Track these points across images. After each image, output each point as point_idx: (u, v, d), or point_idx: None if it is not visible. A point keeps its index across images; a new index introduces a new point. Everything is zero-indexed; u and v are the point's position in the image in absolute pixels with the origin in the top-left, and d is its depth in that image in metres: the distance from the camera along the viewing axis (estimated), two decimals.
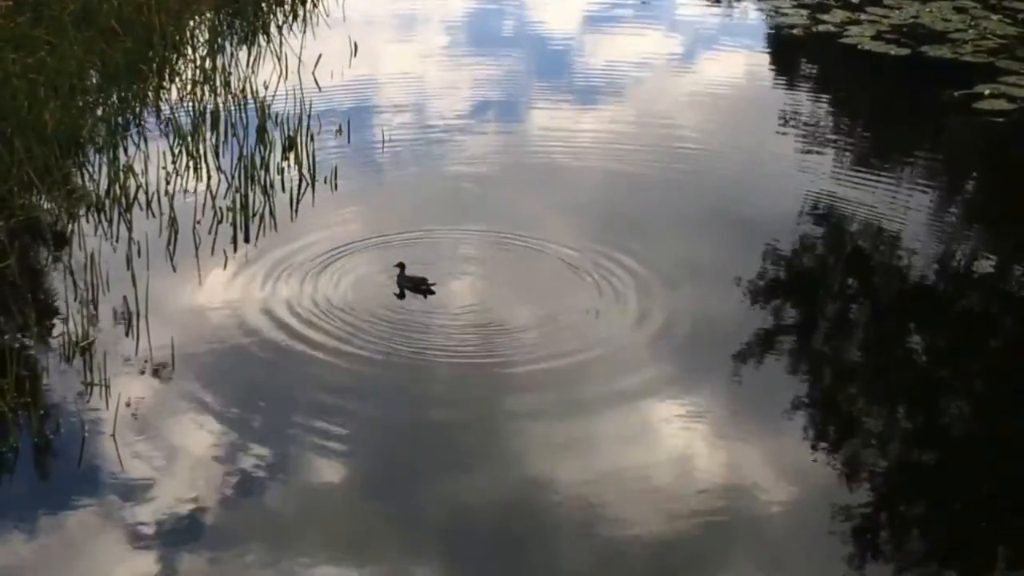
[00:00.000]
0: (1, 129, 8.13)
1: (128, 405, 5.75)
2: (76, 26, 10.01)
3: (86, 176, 8.23)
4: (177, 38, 10.86)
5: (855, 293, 7.40)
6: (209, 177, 8.31)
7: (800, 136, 10.17)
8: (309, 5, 13.23)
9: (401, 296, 6.86)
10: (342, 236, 7.60)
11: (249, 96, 9.59)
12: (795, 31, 13.12)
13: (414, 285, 6.90)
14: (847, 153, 9.85)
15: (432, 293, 6.87)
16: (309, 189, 8.33)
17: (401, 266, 6.93)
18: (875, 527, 5.28)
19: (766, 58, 12.87)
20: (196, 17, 11.69)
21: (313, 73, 10.61)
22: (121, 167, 8.11)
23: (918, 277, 7.56)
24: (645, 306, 6.82)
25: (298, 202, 8.15)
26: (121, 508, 5.10)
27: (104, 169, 8.16)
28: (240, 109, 9.36)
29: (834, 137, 10.35)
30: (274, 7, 12.84)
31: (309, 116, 9.15)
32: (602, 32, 13.48)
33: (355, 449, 5.61)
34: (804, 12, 13.63)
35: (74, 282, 6.79)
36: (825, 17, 13.34)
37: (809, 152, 9.77)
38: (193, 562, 4.85)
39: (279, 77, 10.37)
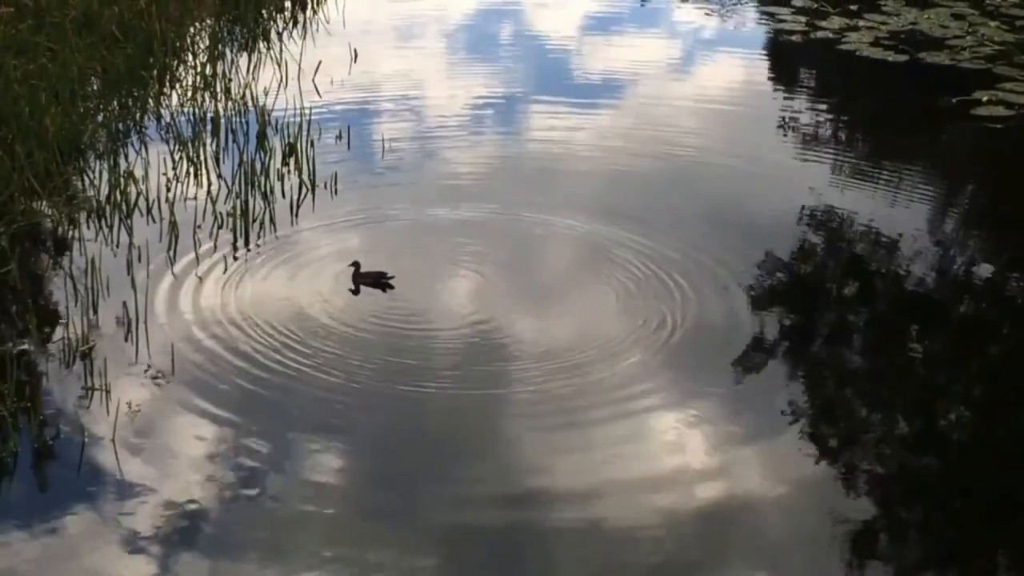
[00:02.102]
0: (2, 135, 8.16)
1: (128, 410, 5.76)
2: (77, 32, 10.06)
3: (87, 182, 8.26)
4: (178, 44, 10.91)
5: (854, 298, 7.42)
6: (209, 183, 8.34)
7: (799, 142, 10.21)
8: (309, 12, 13.30)
9: (356, 292, 6.90)
10: (342, 242, 7.64)
11: (249, 102, 9.62)
12: (794, 37, 13.16)
13: (374, 280, 6.95)
14: (845, 159, 9.89)
15: (391, 287, 6.92)
16: (309, 195, 8.36)
17: (356, 264, 6.96)
18: (874, 531, 5.29)
19: (765, 64, 12.92)
20: (197, 23, 11.74)
21: (313, 79, 10.65)
22: (122, 173, 8.14)
23: (916, 282, 7.58)
24: (642, 308, 6.84)
25: (298, 208, 8.18)
26: (120, 513, 5.11)
27: (105, 175, 8.18)
28: (240, 115, 9.39)
29: (833, 143, 10.39)
30: (274, 14, 12.89)
31: (309, 122, 9.18)
32: (601, 38, 13.52)
33: (355, 455, 5.62)
34: (803, 18, 13.67)
35: (74, 287, 6.81)
36: (823, 23, 13.39)
37: (807, 158, 9.80)
38: (192, 566, 4.86)
39: (279, 83, 10.41)
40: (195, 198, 8.09)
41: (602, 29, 13.92)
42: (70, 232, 7.60)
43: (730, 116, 10.72)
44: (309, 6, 13.47)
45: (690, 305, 6.90)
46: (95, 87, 9.67)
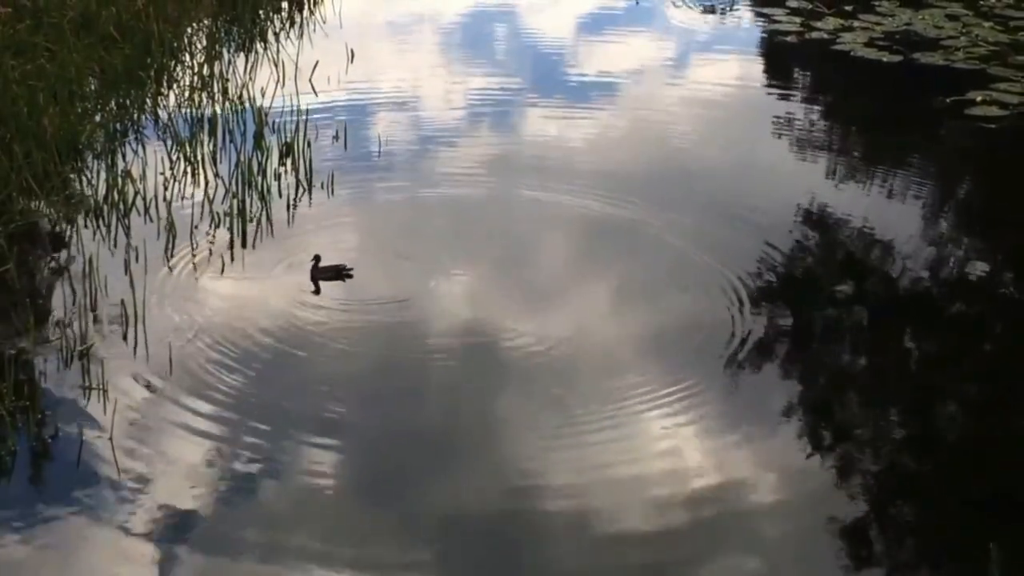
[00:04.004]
0: (0, 135, 8.18)
1: (126, 409, 5.79)
2: (75, 33, 10.07)
3: (85, 182, 8.29)
4: (176, 45, 10.93)
5: (848, 297, 7.43)
6: (207, 183, 8.37)
7: (793, 142, 10.24)
8: (306, 12, 13.32)
9: (317, 292, 6.94)
10: (339, 242, 7.68)
11: (247, 102, 9.66)
12: (788, 38, 13.19)
13: (335, 273, 7.01)
14: (840, 159, 9.92)
15: (350, 277, 7.01)
16: (306, 195, 8.39)
17: (316, 259, 7.03)
18: (871, 531, 5.32)
19: (760, 65, 12.95)
20: (194, 24, 11.76)
21: (310, 79, 10.67)
22: (119, 173, 8.17)
23: (910, 282, 7.61)
24: (639, 310, 6.89)
25: (295, 208, 8.22)
26: (118, 511, 5.14)
27: (102, 175, 8.21)
28: (238, 115, 9.42)
29: (827, 143, 10.42)
30: (271, 14, 12.91)
31: (306, 122, 9.21)
32: (596, 39, 13.55)
33: (353, 453, 5.65)
34: (797, 19, 13.71)
35: (72, 287, 6.84)
36: (818, 24, 13.42)
37: (802, 158, 9.84)
38: (190, 565, 4.89)
39: (276, 84, 10.42)
40: (192, 198, 8.12)
41: (597, 29, 13.94)
42: (68, 232, 7.63)
43: (725, 116, 10.75)
44: (306, 6, 13.48)
45: (684, 306, 6.94)
46: (93, 87, 9.69)
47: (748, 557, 5.09)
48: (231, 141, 9.09)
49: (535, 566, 5.02)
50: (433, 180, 8.95)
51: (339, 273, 7.05)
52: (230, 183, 8.27)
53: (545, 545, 5.10)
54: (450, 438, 5.81)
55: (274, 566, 4.89)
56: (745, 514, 5.32)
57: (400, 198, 8.56)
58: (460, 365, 6.40)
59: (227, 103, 9.66)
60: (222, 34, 11.90)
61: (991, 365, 6.84)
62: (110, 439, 5.55)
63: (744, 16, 14.81)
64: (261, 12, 12.75)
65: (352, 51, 11.76)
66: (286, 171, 8.69)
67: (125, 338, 6.42)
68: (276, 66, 10.88)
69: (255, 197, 8.12)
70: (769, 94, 11.72)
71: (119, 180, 8.03)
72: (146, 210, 7.90)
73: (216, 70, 10.52)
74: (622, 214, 8.21)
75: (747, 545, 5.15)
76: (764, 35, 13.70)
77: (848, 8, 13.89)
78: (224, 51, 11.38)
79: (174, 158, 8.71)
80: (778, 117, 10.74)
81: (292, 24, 12.87)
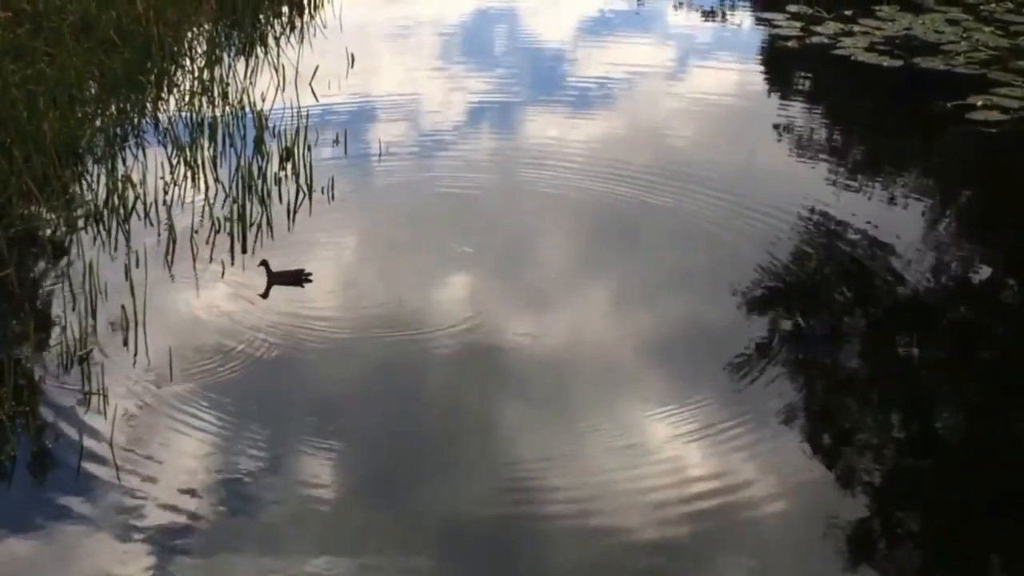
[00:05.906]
0: (0, 139, 8.18)
1: (126, 414, 5.79)
2: (75, 37, 10.08)
3: (85, 186, 8.29)
4: (176, 49, 10.94)
5: (849, 303, 7.44)
6: (207, 187, 8.37)
7: (794, 147, 10.24)
8: (306, 16, 13.33)
9: (265, 295, 6.93)
10: (339, 247, 7.67)
11: (247, 107, 9.66)
12: (789, 43, 13.20)
13: (294, 278, 7.01)
14: (840, 164, 9.92)
15: (309, 281, 7.02)
16: (306, 199, 8.39)
17: (265, 263, 7.00)
18: (869, 534, 5.32)
19: (760, 69, 12.95)
20: (195, 28, 11.77)
21: (310, 84, 10.68)
22: (119, 177, 8.16)
23: (911, 286, 7.60)
24: (638, 315, 6.88)
25: (295, 212, 8.21)
26: (119, 517, 5.13)
27: (102, 179, 8.21)
28: (238, 120, 9.42)
29: (827, 147, 10.42)
30: (272, 18, 12.93)
31: (306, 127, 9.21)
32: (597, 43, 13.55)
33: (353, 456, 5.64)
34: (798, 24, 13.72)
35: (72, 292, 6.83)
36: (818, 29, 13.42)
37: (802, 162, 9.84)
38: (190, 569, 4.88)
39: (277, 88, 10.43)
40: (192, 202, 8.12)
41: (597, 33, 13.95)
42: (68, 236, 7.63)
43: (726, 121, 10.75)
44: (306, 10, 13.50)
45: (685, 313, 6.93)
46: (93, 91, 9.69)
47: (750, 558, 5.08)
48: (231, 146, 9.09)
49: (534, 569, 5.00)
50: (434, 183, 8.95)
51: (298, 278, 7.03)
52: (230, 188, 8.26)
53: (545, 548, 5.09)
54: (452, 439, 5.80)
55: (273, 569, 4.88)
56: (748, 515, 5.31)
57: (401, 202, 8.56)
58: (463, 366, 6.39)
59: (227, 107, 9.66)
60: (222, 38, 11.91)
61: (992, 370, 6.84)
62: (110, 444, 5.54)
63: (745, 21, 14.83)
64: (261, 16, 12.77)
65: (352, 55, 11.76)
66: (286, 176, 8.69)
67: (125, 343, 6.41)
68: (276, 70, 10.89)
69: (255, 202, 8.12)
70: (769, 99, 11.73)
71: (119, 185, 8.03)
72: (146, 215, 7.90)
73: (216, 74, 10.52)
74: (621, 217, 8.21)
75: (749, 546, 5.14)
76: (765, 40, 13.71)
77: (848, 13, 13.90)
78: (224, 55, 11.38)
79: (174, 163, 8.71)
80: (778, 121, 10.74)
81: (292, 28, 12.88)
